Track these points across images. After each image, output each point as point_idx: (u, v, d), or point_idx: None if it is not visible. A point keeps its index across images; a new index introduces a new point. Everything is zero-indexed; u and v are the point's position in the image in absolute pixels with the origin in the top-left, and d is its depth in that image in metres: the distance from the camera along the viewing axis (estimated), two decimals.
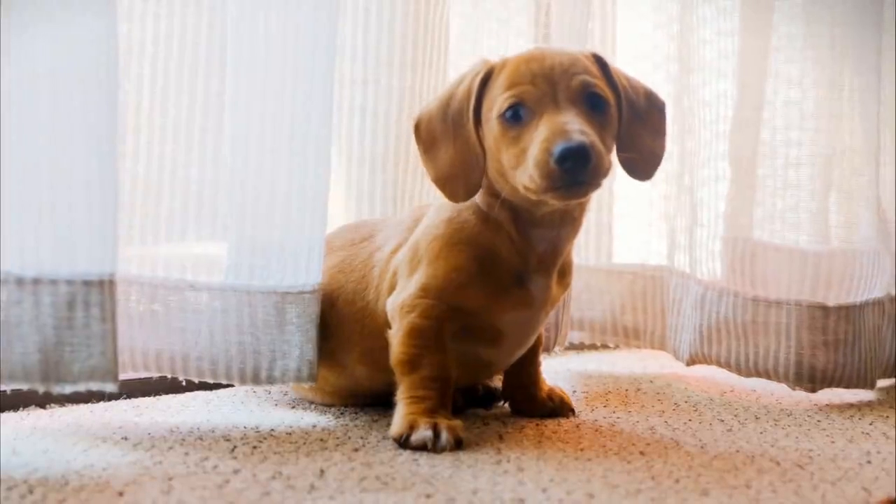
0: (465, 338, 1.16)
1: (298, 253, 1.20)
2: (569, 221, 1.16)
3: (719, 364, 1.50)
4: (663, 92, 1.61)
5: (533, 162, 1.04)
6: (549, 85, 1.08)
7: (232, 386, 1.35)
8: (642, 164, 1.16)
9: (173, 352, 1.19)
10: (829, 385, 1.44)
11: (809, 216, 1.50)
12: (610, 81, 1.13)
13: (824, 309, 1.44)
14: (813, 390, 1.45)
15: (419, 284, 1.14)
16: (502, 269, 1.15)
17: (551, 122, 1.05)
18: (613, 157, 1.13)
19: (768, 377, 1.47)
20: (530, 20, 1.57)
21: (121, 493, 0.90)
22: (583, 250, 1.65)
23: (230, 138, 1.19)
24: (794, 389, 1.46)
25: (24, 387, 1.02)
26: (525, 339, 1.21)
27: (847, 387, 1.45)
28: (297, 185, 1.19)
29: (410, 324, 1.14)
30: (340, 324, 1.22)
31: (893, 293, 1.54)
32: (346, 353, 1.23)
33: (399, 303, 1.15)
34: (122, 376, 1.30)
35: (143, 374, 1.27)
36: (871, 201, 1.51)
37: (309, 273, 1.20)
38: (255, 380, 1.19)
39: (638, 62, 1.68)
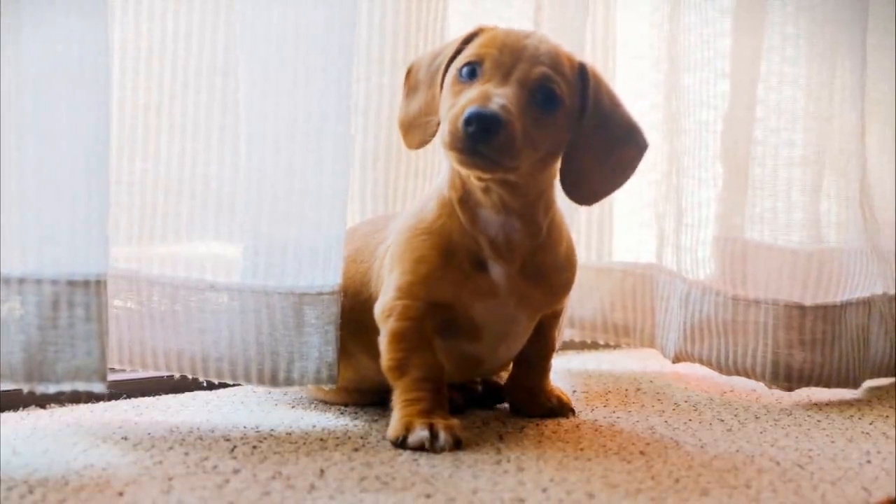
0: (447, 334, 1.17)
1: (316, 253, 1.20)
2: (513, 212, 1.14)
3: (701, 362, 1.50)
4: (661, 91, 1.62)
5: (450, 117, 1.05)
6: (512, 60, 1.09)
7: (234, 385, 1.35)
8: (587, 188, 1.16)
9: (193, 352, 1.19)
10: (807, 384, 1.45)
11: (793, 216, 1.50)
12: (584, 94, 1.13)
13: (801, 308, 1.44)
14: (789, 389, 1.45)
15: (394, 286, 1.15)
16: (461, 254, 1.14)
17: (484, 88, 1.06)
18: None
19: (747, 376, 1.47)
20: (531, 20, 1.57)
21: (121, 493, 0.91)
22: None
23: (246, 136, 1.19)
24: (770, 388, 1.47)
25: (9, 386, 1.03)
26: (506, 334, 1.19)
27: (827, 386, 1.45)
28: (314, 184, 1.19)
29: (391, 329, 1.14)
30: (350, 312, 1.22)
31: (891, 293, 1.54)
32: (353, 343, 1.23)
33: (381, 308, 1.16)
34: (124, 376, 1.31)
35: (154, 373, 1.27)
36: (856, 201, 1.51)
37: (327, 273, 1.20)
38: (274, 381, 1.20)
39: (636, 62, 1.68)
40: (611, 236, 1.69)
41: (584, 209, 1.65)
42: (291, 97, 1.18)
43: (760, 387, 1.51)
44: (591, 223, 1.67)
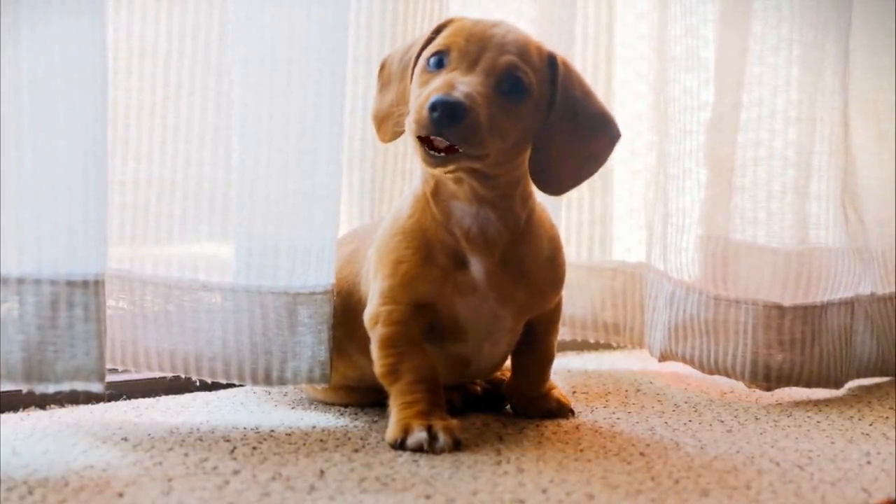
0: (432, 337, 1.16)
1: (309, 253, 1.20)
2: (487, 203, 1.13)
3: (685, 361, 1.51)
4: (655, 91, 1.62)
5: (415, 106, 1.06)
6: (478, 49, 1.09)
7: (234, 386, 1.35)
8: (555, 178, 1.15)
9: (187, 352, 1.19)
10: (787, 384, 1.45)
11: (776, 216, 1.50)
12: (553, 84, 1.13)
13: (780, 308, 1.45)
14: (769, 389, 1.46)
15: (378, 291, 1.15)
16: (439, 251, 1.14)
17: (449, 77, 1.06)
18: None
19: (727, 375, 1.47)
20: (530, 20, 1.57)
21: (121, 494, 0.90)
22: (565, 246, 1.63)
23: (240, 137, 1.19)
24: (749, 388, 1.48)
25: (8, 386, 1.03)
26: (490, 332, 1.18)
27: (807, 386, 1.46)
28: (307, 184, 1.19)
29: (380, 334, 1.14)
30: (345, 313, 1.23)
31: (879, 293, 1.55)
32: (349, 342, 1.23)
33: (368, 315, 1.16)
34: (124, 377, 1.31)
35: (154, 374, 1.28)
36: (838, 201, 1.52)
37: (320, 273, 1.20)
38: (267, 380, 1.20)
39: (637, 62, 1.67)
40: (605, 235, 1.69)
41: (582, 207, 1.65)
42: (285, 98, 1.18)
43: None
44: (581, 223, 1.67)
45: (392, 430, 1.11)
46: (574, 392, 1.44)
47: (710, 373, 1.49)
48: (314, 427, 1.19)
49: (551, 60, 1.14)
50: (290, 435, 1.15)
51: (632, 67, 1.67)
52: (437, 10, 1.48)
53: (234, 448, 1.08)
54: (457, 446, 1.09)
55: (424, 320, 1.15)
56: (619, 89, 1.66)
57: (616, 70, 1.65)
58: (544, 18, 1.53)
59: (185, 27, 1.20)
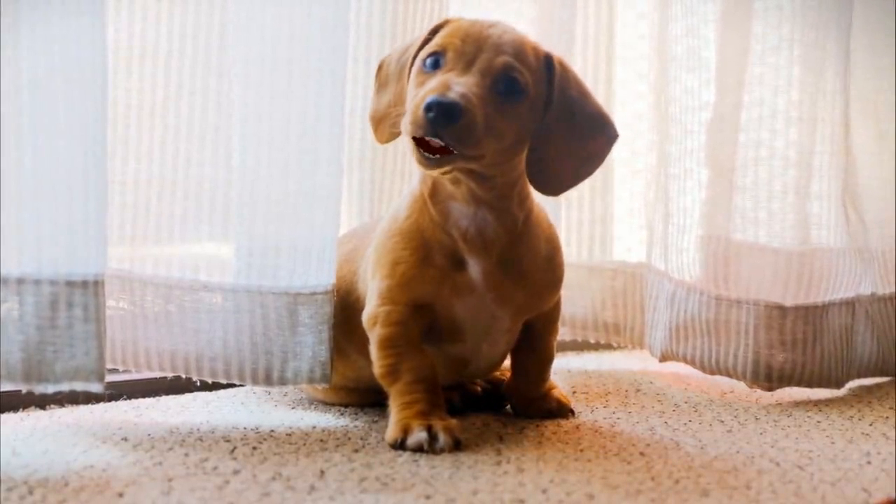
0: (431, 338, 1.16)
1: (310, 253, 1.20)
2: (484, 204, 1.13)
3: (686, 361, 1.51)
4: (658, 92, 1.62)
5: (411, 107, 1.06)
6: (475, 49, 1.09)
7: (234, 386, 1.35)
8: (552, 178, 1.15)
9: (188, 352, 1.20)
10: (788, 384, 1.46)
11: (778, 216, 1.50)
12: (550, 84, 1.13)
13: (781, 309, 1.45)
14: (770, 389, 1.46)
15: (376, 292, 1.15)
16: (437, 251, 1.14)
17: (445, 77, 1.06)
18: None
19: (728, 375, 1.48)
20: (530, 20, 1.57)
21: (121, 494, 0.91)
22: (565, 247, 1.63)
23: (240, 137, 1.19)
24: (751, 388, 1.48)
25: (8, 386, 1.04)
26: (488, 333, 1.18)
27: (808, 386, 1.47)
28: (307, 184, 1.19)
29: (378, 335, 1.14)
30: (342, 312, 1.23)
31: (879, 293, 1.55)
32: (347, 342, 1.23)
33: (367, 316, 1.16)
34: (124, 377, 1.31)
35: (154, 374, 1.28)
36: (838, 201, 1.52)
37: (321, 273, 1.20)
38: (268, 381, 1.20)
39: (638, 62, 1.68)
40: (605, 235, 1.69)
41: (582, 207, 1.65)
42: (286, 98, 1.18)
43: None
44: (581, 223, 1.67)
45: (392, 430, 1.11)
46: (574, 392, 1.44)
47: (712, 373, 1.49)
48: (314, 427, 1.19)
49: (548, 61, 1.14)
50: (290, 435, 1.15)
51: (632, 67, 1.67)
52: (437, 10, 1.48)
53: (235, 448, 1.08)
54: (457, 446, 1.09)
55: (423, 321, 1.15)
56: (619, 89, 1.66)
57: (616, 70, 1.65)
58: (544, 18, 1.53)
59: (185, 27, 1.21)
